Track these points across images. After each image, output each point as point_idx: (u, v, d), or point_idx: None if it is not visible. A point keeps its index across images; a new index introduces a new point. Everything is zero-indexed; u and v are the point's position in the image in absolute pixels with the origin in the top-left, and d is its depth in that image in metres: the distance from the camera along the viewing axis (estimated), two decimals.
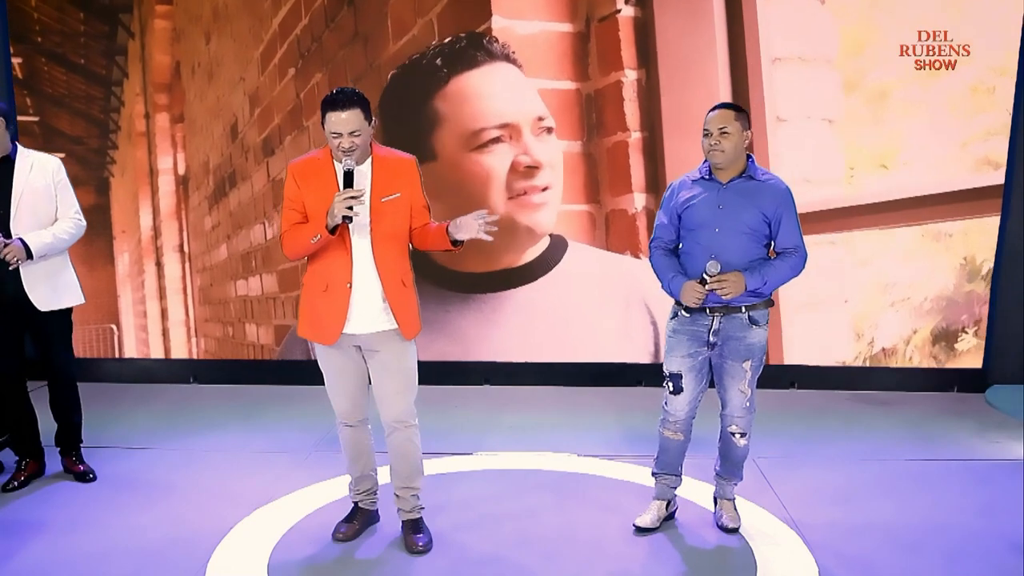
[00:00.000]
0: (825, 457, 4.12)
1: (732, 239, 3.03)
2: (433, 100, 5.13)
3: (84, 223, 3.67)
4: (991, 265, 4.99)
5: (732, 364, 3.12)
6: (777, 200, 3.04)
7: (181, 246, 5.59)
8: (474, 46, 5.05)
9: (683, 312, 3.12)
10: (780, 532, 3.32)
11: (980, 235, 4.98)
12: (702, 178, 3.12)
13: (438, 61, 5.09)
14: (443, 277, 5.28)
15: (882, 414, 4.79)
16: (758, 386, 3.19)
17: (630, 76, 5.03)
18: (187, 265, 5.59)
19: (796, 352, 5.18)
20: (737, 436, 3.21)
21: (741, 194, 3.04)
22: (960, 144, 4.90)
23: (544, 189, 5.11)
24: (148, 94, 5.46)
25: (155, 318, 5.62)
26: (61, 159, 3.70)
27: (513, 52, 5.05)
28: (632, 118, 5.05)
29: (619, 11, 4.99)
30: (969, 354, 5.10)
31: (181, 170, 5.52)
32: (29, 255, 3.45)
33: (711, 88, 4.98)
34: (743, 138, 3.02)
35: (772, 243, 3.10)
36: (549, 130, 5.09)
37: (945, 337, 5.11)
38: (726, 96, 4.91)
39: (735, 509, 3.34)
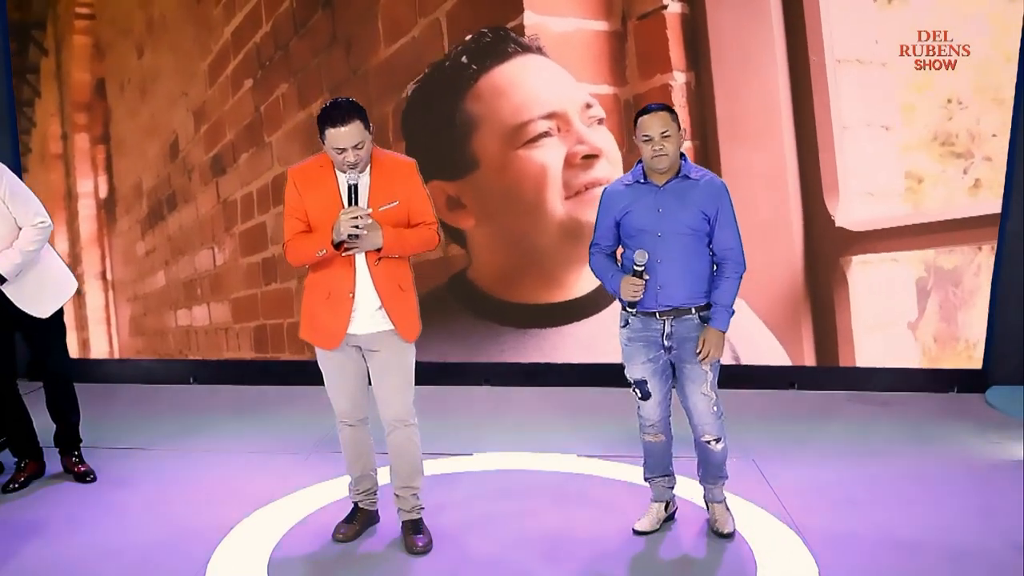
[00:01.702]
0: (825, 457, 4.11)
1: (674, 241, 3.01)
2: (463, 102, 4.72)
3: (48, 223, 3.51)
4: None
5: (691, 367, 3.09)
6: (714, 196, 3.03)
7: (104, 273, 5.30)
8: (501, 40, 4.66)
9: (633, 318, 3.11)
10: (780, 532, 3.32)
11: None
12: (637, 182, 3.08)
13: (464, 59, 4.68)
14: (498, 311, 4.96)
15: (882, 414, 4.78)
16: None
17: (679, 79, 4.63)
18: (110, 293, 5.28)
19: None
20: (712, 443, 3.17)
21: (678, 195, 3.02)
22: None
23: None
24: (65, 114, 5.15)
25: (74, 350, 5.18)
26: None
27: (543, 46, 4.67)
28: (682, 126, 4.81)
29: (665, 7, 4.61)
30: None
31: (104, 193, 5.21)
32: (2, 279, 3.41)
33: (770, 91, 4.67)
34: (680, 138, 3.02)
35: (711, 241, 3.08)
36: (600, 121, 4.69)
37: None
38: (786, 101, 4.61)
39: (727, 510, 3.31)
